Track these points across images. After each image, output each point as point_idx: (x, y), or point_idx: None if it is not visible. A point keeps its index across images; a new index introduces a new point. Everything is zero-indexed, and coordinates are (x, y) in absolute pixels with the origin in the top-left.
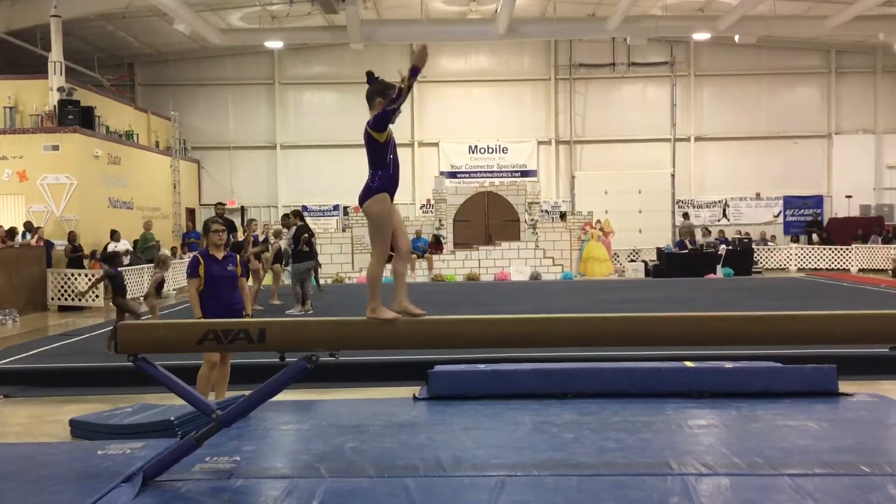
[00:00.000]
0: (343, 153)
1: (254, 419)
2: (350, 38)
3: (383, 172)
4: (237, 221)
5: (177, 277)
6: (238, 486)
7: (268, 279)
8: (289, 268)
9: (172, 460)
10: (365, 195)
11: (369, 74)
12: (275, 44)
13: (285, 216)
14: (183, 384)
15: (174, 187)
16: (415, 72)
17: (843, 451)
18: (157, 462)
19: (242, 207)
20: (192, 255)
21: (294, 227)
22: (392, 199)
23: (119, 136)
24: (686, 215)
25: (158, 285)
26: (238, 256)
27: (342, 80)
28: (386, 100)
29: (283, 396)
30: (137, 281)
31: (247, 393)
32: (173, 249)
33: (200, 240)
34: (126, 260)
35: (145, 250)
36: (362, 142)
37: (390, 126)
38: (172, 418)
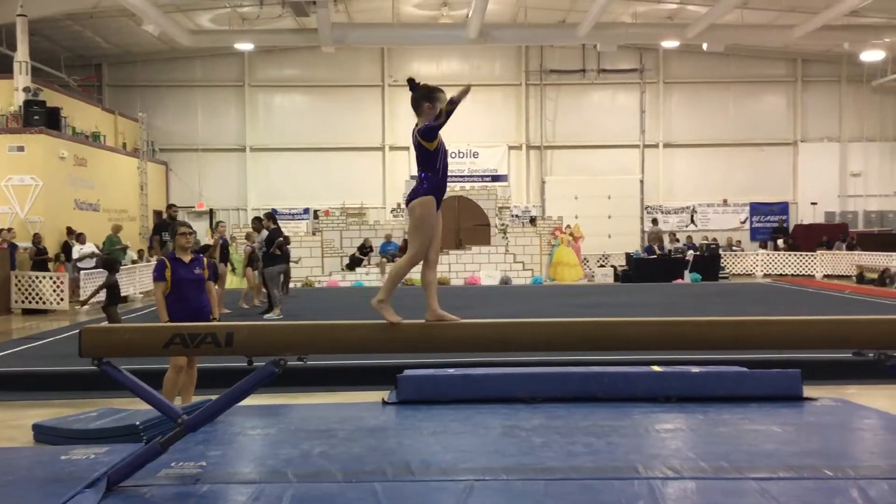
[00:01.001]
0: (314, 156)
1: (221, 424)
2: (321, 42)
3: (433, 175)
4: (206, 225)
5: (144, 281)
6: (204, 492)
7: (240, 283)
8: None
9: (137, 465)
10: (413, 196)
11: (410, 81)
12: (245, 46)
13: (256, 219)
14: (148, 388)
15: (141, 189)
16: (453, 102)
17: (807, 455)
18: (121, 467)
19: (211, 210)
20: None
21: (267, 231)
22: (439, 205)
23: (85, 138)
24: (655, 221)
25: (111, 290)
26: (205, 259)
27: (313, 83)
28: (432, 104)
29: (251, 401)
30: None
31: (214, 397)
32: (140, 252)
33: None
34: (91, 263)
35: (111, 253)
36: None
37: (440, 134)
38: (138, 423)
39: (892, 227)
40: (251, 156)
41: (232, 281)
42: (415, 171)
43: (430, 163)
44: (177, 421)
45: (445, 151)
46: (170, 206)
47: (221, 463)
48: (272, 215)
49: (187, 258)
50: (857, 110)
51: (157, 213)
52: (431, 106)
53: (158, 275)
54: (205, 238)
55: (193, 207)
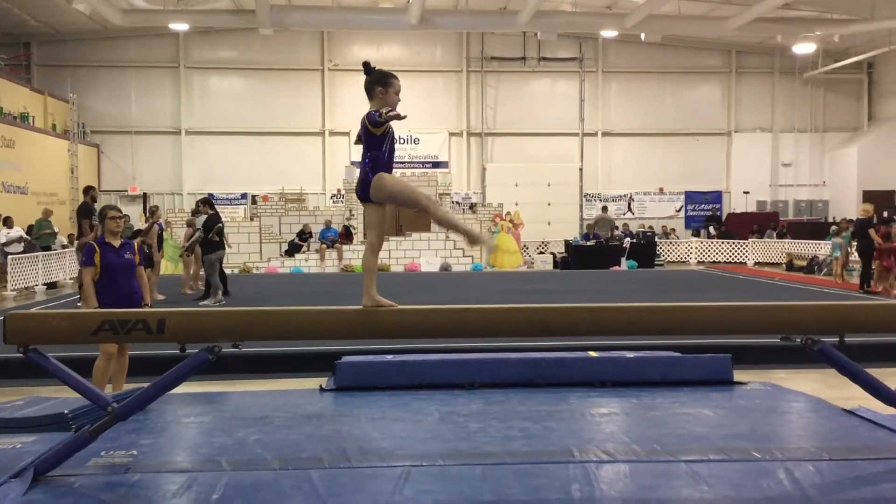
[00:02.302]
0: (252, 140)
1: (153, 412)
2: (259, 23)
3: (379, 154)
4: (139, 209)
5: (74, 266)
6: (135, 481)
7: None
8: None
9: (65, 455)
10: (364, 186)
11: (366, 65)
12: (180, 26)
13: (199, 203)
14: (77, 376)
15: (72, 172)
16: (397, 117)
17: (736, 438)
18: (48, 457)
19: (145, 194)
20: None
21: (205, 216)
22: None
23: (13, 119)
24: (605, 209)
25: None
26: (136, 244)
27: (251, 66)
28: (385, 88)
29: (185, 389)
30: (31, 269)
31: (146, 385)
32: (70, 237)
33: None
34: (20, 248)
35: (39, 237)
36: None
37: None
38: (66, 411)
39: (820, 216)
40: (187, 139)
41: (167, 267)
42: (355, 158)
43: (375, 144)
44: (106, 409)
45: (393, 135)
46: (89, 189)
47: (153, 452)
48: (209, 200)
49: (117, 243)
50: (788, 102)
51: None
52: (384, 91)
53: (87, 260)
54: (138, 223)
55: (126, 191)
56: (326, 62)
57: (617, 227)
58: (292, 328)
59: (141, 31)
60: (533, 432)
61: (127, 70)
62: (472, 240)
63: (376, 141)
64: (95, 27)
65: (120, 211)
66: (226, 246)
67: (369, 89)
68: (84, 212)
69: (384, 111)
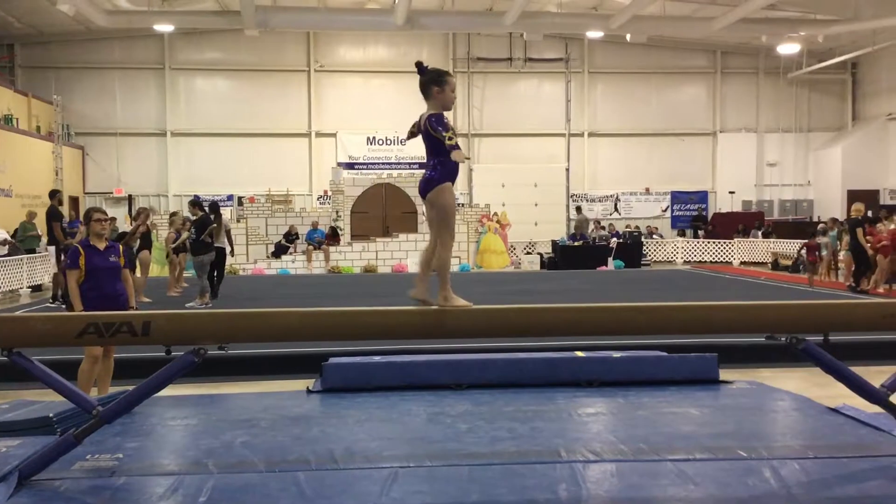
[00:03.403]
0: (238, 142)
1: (139, 415)
2: (244, 24)
3: (445, 160)
4: (125, 211)
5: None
6: (120, 484)
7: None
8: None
9: (50, 458)
10: (427, 184)
11: (419, 64)
12: (165, 27)
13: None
14: (62, 380)
15: (56, 174)
16: (454, 149)
17: (722, 437)
18: (34, 460)
19: (130, 196)
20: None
21: (196, 217)
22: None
23: None
24: (579, 209)
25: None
26: (121, 247)
27: (237, 67)
28: (441, 87)
29: (171, 391)
30: (15, 272)
31: (131, 388)
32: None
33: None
34: (4, 250)
35: (24, 240)
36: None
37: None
38: (51, 415)
39: (805, 215)
40: (172, 141)
41: (153, 269)
42: (342, 159)
43: (441, 150)
44: (91, 412)
45: (455, 136)
46: (55, 193)
47: (139, 455)
48: (198, 202)
49: (102, 245)
50: (773, 102)
51: (73, 200)
52: (440, 90)
53: (72, 263)
54: (124, 225)
55: (111, 193)
56: (312, 63)
57: (603, 227)
58: (277, 330)
59: (125, 32)
60: (520, 432)
61: (112, 71)
62: (421, 299)
63: (441, 144)
64: (79, 28)
65: (105, 213)
66: (226, 249)
67: (425, 89)
68: (53, 216)
69: (454, 154)
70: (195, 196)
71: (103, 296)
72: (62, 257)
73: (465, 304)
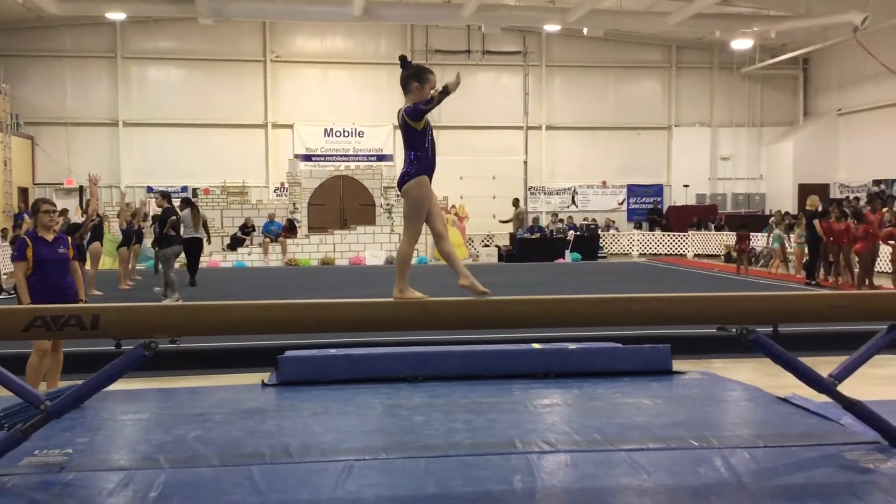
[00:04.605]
0: (192, 132)
1: (89, 410)
2: (198, 13)
3: (421, 154)
4: (75, 202)
5: (5, 262)
6: (70, 480)
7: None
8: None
9: None
10: (403, 179)
11: (402, 58)
12: (117, 15)
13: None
14: (8, 374)
15: (5, 165)
16: (445, 91)
17: (674, 427)
18: None
19: (81, 187)
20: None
21: (162, 210)
22: (430, 183)
23: None
24: (517, 202)
25: None
26: (70, 238)
27: (191, 57)
28: (421, 84)
29: (123, 385)
30: None
31: (80, 382)
32: (3, 231)
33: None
34: None
35: None
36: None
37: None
38: None
39: (757, 208)
40: (124, 131)
41: (104, 262)
42: (299, 151)
43: (417, 142)
44: (39, 407)
45: (432, 130)
46: None
47: (89, 450)
48: (167, 194)
49: (50, 237)
50: (727, 96)
51: (23, 191)
52: (420, 86)
53: (19, 254)
54: (75, 216)
55: (62, 184)
56: (269, 53)
57: (561, 220)
58: (231, 323)
59: (76, 19)
60: (476, 424)
61: (62, 60)
62: (468, 284)
63: (419, 138)
64: (29, 15)
65: (54, 204)
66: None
67: (405, 84)
68: None
69: (434, 91)
70: (147, 187)
71: (52, 288)
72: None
73: (420, 297)
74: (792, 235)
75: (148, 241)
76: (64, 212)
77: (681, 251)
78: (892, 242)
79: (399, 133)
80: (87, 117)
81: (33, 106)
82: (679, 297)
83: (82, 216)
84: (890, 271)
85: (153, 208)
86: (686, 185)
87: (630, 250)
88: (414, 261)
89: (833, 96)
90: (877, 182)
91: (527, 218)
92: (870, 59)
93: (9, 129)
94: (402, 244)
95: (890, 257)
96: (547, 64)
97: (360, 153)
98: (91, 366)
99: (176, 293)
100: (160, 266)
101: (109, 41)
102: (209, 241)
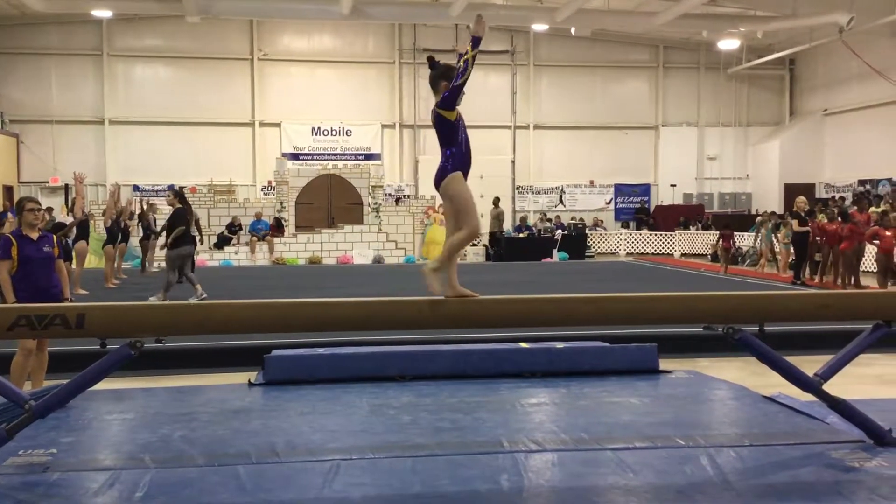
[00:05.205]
0: (179, 131)
1: (74, 410)
2: (185, 11)
3: (456, 151)
4: (61, 200)
5: None
6: (54, 480)
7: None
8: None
9: None
10: (440, 176)
11: (430, 59)
12: (103, 13)
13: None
14: None
15: None
16: (476, 41)
17: (661, 426)
18: None
19: (66, 185)
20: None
21: (174, 209)
22: (466, 178)
23: None
24: (496, 201)
25: None
26: (55, 237)
27: (178, 55)
28: (450, 82)
29: (108, 385)
30: None
31: (65, 382)
32: None
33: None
34: None
35: None
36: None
37: (458, 107)
38: None
39: (744, 208)
40: (110, 129)
41: (90, 260)
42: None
43: (452, 138)
44: (23, 406)
45: (464, 124)
46: None
47: (74, 450)
48: (180, 193)
49: (35, 235)
50: (713, 96)
51: (7, 189)
52: (449, 85)
53: (3, 253)
54: (60, 215)
55: (47, 183)
56: (256, 52)
57: (549, 220)
58: (217, 322)
59: (62, 17)
60: (463, 424)
61: (48, 57)
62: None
63: (452, 133)
64: (14, 13)
65: (38, 203)
66: (196, 242)
67: (434, 83)
68: None
69: (465, 55)
70: (133, 186)
71: (36, 287)
72: None
73: (470, 294)
74: (779, 235)
75: (134, 239)
76: (49, 210)
77: (668, 250)
78: (876, 242)
79: (386, 133)
80: (73, 115)
81: (18, 104)
82: (667, 296)
83: (68, 215)
84: (875, 271)
85: (137, 206)
86: (673, 185)
87: (617, 250)
88: (401, 260)
89: (819, 96)
90: (862, 182)
91: (504, 218)
92: (855, 59)
93: None
94: (461, 234)
95: (875, 257)
96: (535, 63)
97: (347, 152)
98: (76, 365)
99: (166, 292)
100: (146, 265)
101: (95, 39)
102: (202, 241)
